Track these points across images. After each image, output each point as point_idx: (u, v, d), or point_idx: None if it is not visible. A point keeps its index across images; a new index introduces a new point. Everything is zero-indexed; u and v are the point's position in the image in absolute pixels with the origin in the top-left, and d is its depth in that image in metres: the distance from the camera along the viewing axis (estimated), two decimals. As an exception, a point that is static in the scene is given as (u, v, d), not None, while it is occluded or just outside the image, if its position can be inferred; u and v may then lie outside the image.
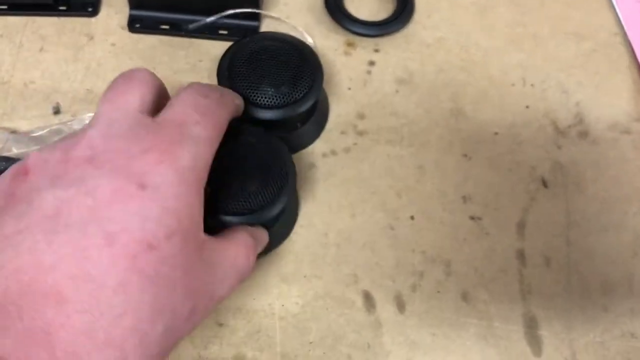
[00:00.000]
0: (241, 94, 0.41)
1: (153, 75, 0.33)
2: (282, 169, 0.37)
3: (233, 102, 0.36)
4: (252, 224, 0.36)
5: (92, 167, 0.27)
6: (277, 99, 0.41)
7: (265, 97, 0.41)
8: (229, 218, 0.35)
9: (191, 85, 0.34)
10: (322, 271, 0.40)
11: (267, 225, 0.38)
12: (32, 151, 0.33)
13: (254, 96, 0.41)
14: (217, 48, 0.48)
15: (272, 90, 0.41)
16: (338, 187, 0.43)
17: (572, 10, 0.52)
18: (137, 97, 0.31)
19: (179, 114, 0.31)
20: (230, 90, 0.38)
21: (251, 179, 0.36)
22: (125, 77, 0.32)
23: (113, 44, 0.48)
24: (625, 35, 0.51)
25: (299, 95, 0.41)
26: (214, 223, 0.36)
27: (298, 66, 0.42)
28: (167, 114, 0.31)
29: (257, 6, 0.47)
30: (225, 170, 0.36)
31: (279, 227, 0.39)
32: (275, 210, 0.36)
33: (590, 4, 0.52)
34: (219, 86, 0.39)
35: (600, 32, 0.51)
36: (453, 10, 0.51)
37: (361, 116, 0.46)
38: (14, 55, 0.47)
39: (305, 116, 0.43)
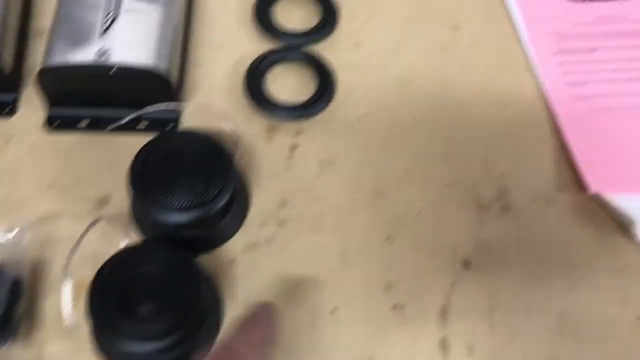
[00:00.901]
0: (154, 199, 0.40)
1: None
2: (194, 289, 0.37)
3: None
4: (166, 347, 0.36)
5: None
6: (191, 200, 0.40)
7: (179, 200, 0.40)
8: (139, 345, 0.35)
9: None
10: (242, 377, 0.39)
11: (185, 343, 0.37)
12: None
13: (167, 200, 0.40)
14: (138, 142, 0.47)
15: (186, 191, 0.41)
16: (259, 283, 0.43)
17: (494, 75, 0.52)
18: None
19: None
20: None
21: (161, 301, 0.36)
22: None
23: (31, 145, 0.47)
24: (547, 100, 0.51)
25: (212, 194, 0.41)
26: (124, 350, 0.36)
27: (210, 162, 0.42)
28: None
29: (175, 99, 0.47)
30: (133, 295, 0.36)
31: (200, 342, 0.39)
32: (191, 329, 0.36)
33: (512, 68, 0.53)
34: None
35: (523, 98, 0.51)
36: (375, 84, 0.51)
37: (283, 204, 0.46)
38: None
39: (222, 212, 0.43)
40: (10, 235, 0.40)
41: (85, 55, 0.45)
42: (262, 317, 0.35)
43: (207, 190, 0.41)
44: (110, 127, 0.47)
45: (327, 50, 0.52)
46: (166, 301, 0.36)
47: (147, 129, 0.48)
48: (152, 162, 0.42)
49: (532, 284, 0.43)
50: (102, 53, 0.45)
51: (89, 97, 0.47)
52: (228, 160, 0.42)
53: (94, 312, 0.36)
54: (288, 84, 0.51)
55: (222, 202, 0.41)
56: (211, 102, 0.50)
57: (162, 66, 0.45)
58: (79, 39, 0.46)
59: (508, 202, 0.46)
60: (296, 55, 0.52)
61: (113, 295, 0.36)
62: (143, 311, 0.36)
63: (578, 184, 0.47)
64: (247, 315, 0.35)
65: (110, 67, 0.44)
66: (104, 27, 0.46)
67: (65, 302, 0.37)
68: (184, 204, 0.40)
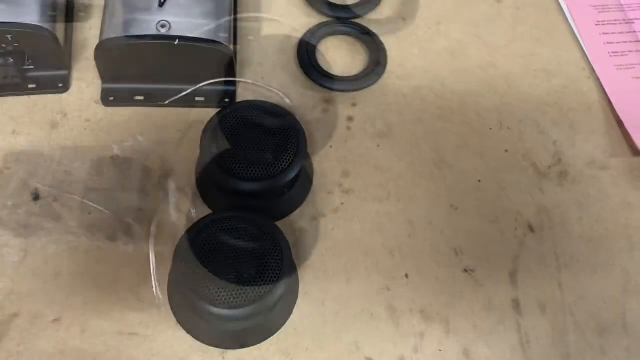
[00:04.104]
0: (227, 168, 0.40)
1: None
2: (277, 255, 0.37)
3: None
4: (251, 315, 0.35)
5: None
6: (262, 170, 0.41)
7: (251, 169, 0.41)
8: (225, 312, 0.35)
9: None
10: (323, 342, 0.40)
11: (267, 312, 0.37)
12: None
13: (240, 169, 0.40)
14: (195, 116, 0.47)
15: (257, 161, 0.41)
16: (331, 250, 0.43)
17: (539, 47, 0.53)
18: None
19: None
20: None
21: (246, 267, 0.36)
22: None
23: (88, 120, 0.47)
24: (592, 69, 0.52)
25: (284, 165, 0.41)
26: (211, 318, 0.35)
27: (281, 134, 0.42)
28: None
29: (233, 73, 0.47)
30: (220, 262, 0.36)
31: (280, 310, 0.39)
32: (275, 296, 0.36)
33: (556, 39, 0.54)
34: None
35: (569, 67, 0.52)
36: (424, 56, 0.52)
37: (346, 174, 0.46)
38: (-14, 141, 0.45)
39: (291, 182, 0.43)
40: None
41: (145, 28, 0.44)
42: None
43: (279, 161, 0.41)
44: (169, 100, 0.47)
45: (373, 23, 0.53)
46: (250, 266, 0.36)
47: (204, 104, 0.48)
48: (223, 132, 0.42)
49: (594, 245, 0.44)
50: (163, 25, 0.45)
51: (144, 72, 0.47)
52: (300, 132, 0.42)
53: (181, 281, 0.36)
54: (339, 58, 0.51)
55: (293, 172, 0.41)
56: (266, 76, 0.50)
57: (223, 39, 0.45)
58: (136, 12, 0.45)
59: (564, 168, 0.47)
60: (347, 28, 0.52)
61: (200, 262, 0.36)
62: (228, 277, 0.36)
63: (631, 148, 0.48)
64: None
65: (173, 39, 0.44)
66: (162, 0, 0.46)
67: (153, 272, 0.36)
68: (257, 174, 0.41)
